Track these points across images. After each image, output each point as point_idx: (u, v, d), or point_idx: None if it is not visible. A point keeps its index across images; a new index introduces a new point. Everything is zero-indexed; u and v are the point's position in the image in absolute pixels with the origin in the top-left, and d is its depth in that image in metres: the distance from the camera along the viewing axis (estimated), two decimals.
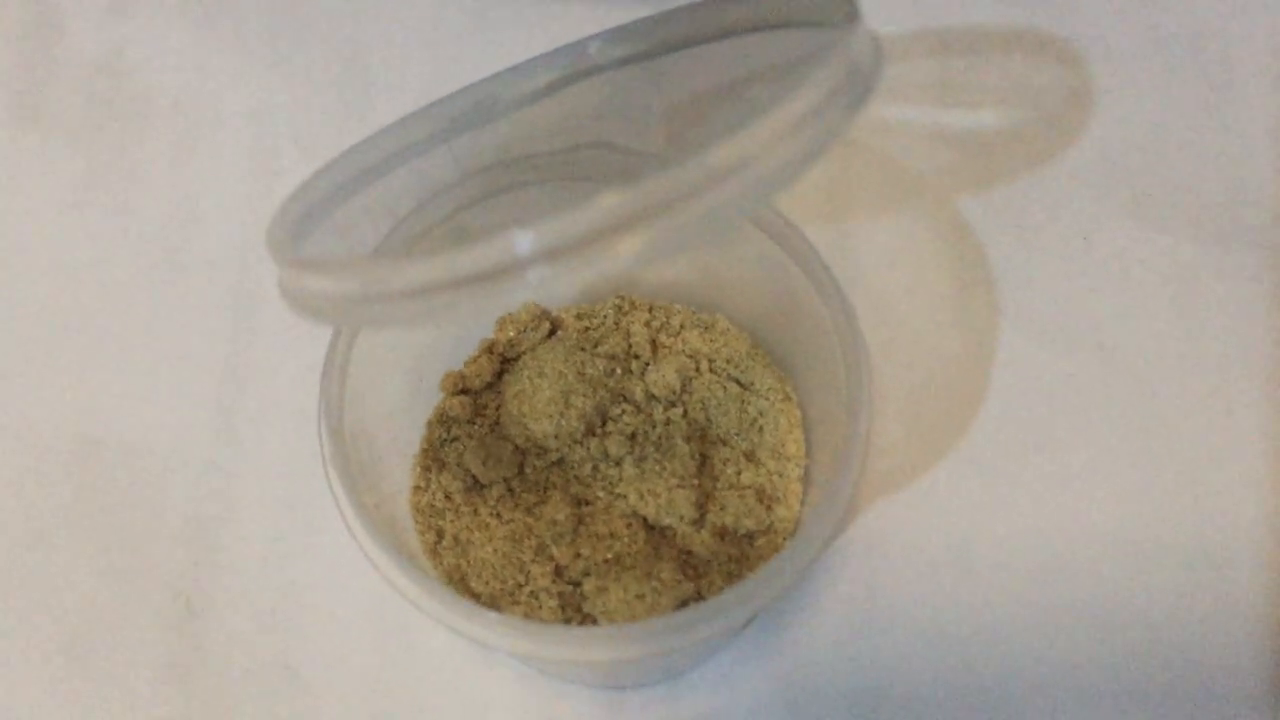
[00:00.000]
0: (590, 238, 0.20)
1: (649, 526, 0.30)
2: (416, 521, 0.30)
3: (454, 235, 0.28)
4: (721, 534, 0.30)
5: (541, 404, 0.30)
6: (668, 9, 0.28)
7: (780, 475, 0.31)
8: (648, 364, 0.32)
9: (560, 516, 0.29)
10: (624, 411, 0.31)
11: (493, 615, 0.25)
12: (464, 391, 0.32)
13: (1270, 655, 0.31)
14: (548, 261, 0.20)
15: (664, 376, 0.31)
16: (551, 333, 0.33)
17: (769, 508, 0.30)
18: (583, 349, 0.32)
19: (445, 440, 0.31)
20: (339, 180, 0.26)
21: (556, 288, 0.20)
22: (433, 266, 0.20)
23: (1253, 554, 0.32)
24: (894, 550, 0.33)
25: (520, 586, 0.29)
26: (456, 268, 0.20)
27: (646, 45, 0.27)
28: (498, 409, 0.32)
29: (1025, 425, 0.34)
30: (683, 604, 0.28)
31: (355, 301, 0.21)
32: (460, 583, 0.29)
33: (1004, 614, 0.32)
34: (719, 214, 0.20)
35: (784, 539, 0.30)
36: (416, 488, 0.31)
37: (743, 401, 0.32)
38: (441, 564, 0.29)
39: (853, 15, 0.22)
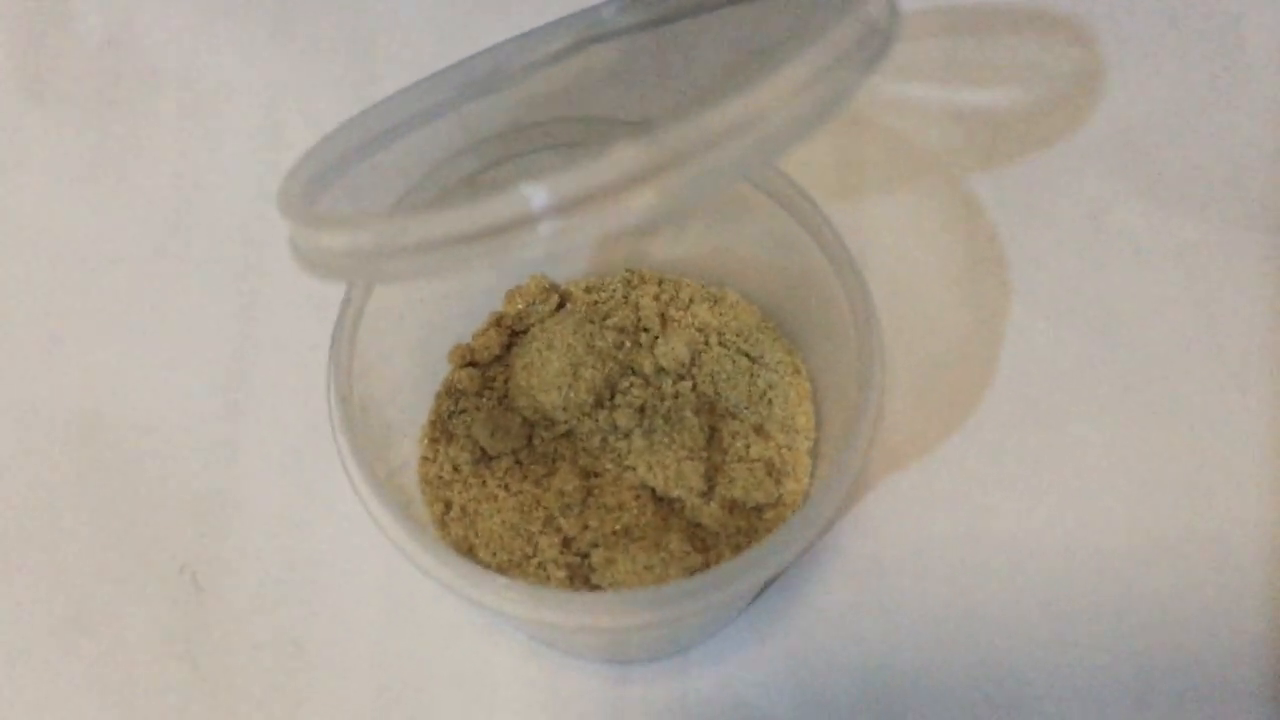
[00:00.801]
0: (603, 190, 0.19)
1: (657, 498, 0.30)
2: (424, 493, 0.30)
3: (467, 194, 0.27)
4: (730, 507, 0.29)
5: (550, 376, 0.30)
6: None
7: (789, 449, 0.30)
8: (657, 337, 0.32)
9: (569, 488, 0.29)
10: (633, 384, 0.31)
11: (502, 581, 0.24)
12: (472, 364, 0.32)
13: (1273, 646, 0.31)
14: (560, 215, 0.19)
15: (673, 349, 0.31)
16: (560, 306, 0.32)
17: (778, 481, 0.30)
18: (592, 321, 0.31)
19: (453, 412, 0.31)
20: (352, 142, 0.26)
21: (570, 242, 0.20)
22: (446, 220, 0.20)
23: (1265, 534, 0.32)
24: (901, 527, 0.33)
25: (529, 558, 0.29)
26: (469, 221, 0.20)
27: (662, 10, 0.27)
28: (506, 382, 0.31)
29: (1034, 403, 0.34)
30: (691, 576, 0.28)
31: (369, 256, 0.21)
32: (468, 554, 0.29)
33: (1010, 591, 0.32)
34: (733, 167, 0.20)
35: (792, 512, 0.30)
36: (424, 459, 0.30)
37: (752, 374, 0.31)
38: (449, 535, 0.29)
39: None
